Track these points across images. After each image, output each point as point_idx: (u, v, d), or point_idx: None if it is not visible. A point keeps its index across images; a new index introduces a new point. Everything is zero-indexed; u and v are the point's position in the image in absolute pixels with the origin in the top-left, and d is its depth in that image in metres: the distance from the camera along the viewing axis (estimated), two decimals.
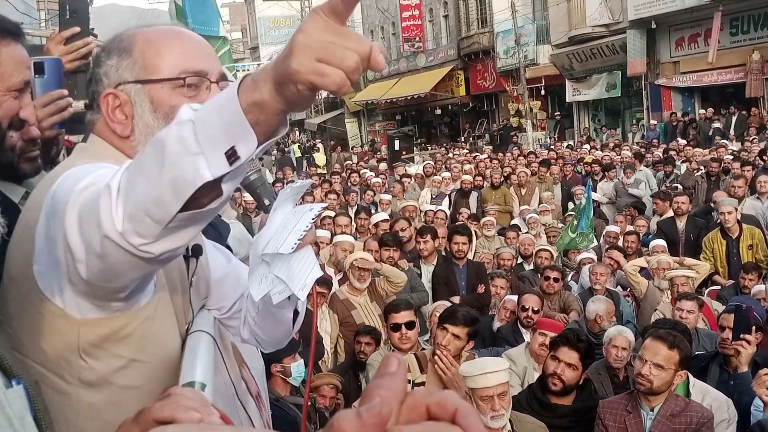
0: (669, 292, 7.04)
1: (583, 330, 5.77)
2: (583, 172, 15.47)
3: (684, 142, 18.48)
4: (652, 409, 4.09)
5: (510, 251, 8.99)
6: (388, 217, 9.76)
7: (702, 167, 13.08)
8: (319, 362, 6.01)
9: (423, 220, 10.47)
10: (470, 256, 8.18)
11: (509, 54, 28.71)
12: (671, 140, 19.55)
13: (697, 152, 15.40)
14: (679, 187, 12.07)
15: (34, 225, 1.45)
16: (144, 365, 1.53)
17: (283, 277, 1.58)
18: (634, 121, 25.36)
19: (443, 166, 17.15)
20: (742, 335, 4.63)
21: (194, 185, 1.19)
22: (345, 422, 0.58)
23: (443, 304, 5.97)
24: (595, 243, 10.00)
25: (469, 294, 7.43)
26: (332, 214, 9.49)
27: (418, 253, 8.01)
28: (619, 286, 7.99)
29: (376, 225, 9.31)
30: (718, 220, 8.59)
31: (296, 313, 1.86)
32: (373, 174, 16.81)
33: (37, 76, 2.05)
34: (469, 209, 12.54)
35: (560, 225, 11.25)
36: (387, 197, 12.55)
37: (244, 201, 11.24)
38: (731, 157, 13.50)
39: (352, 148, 32.78)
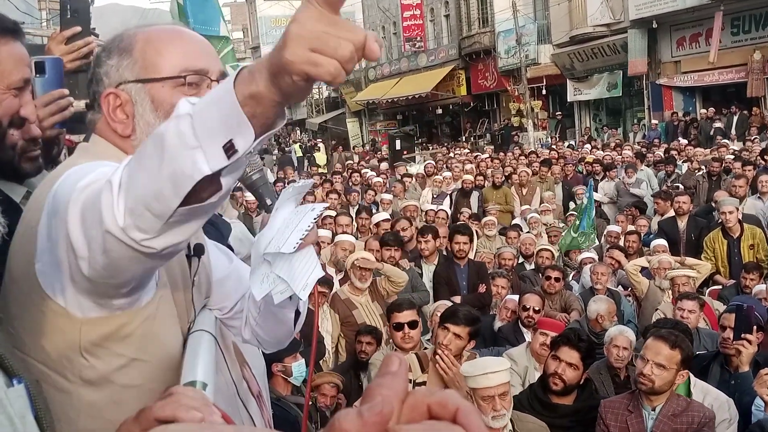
0: (670, 291, 7.03)
1: (584, 330, 5.77)
2: (584, 172, 15.46)
3: (685, 141, 18.47)
4: (653, 409, 4.08)
5: (511, 251, 8.99)
6: (389, 217, 9.76)
7: (703, 167, 13.07)
8: (321, 362, 6.01)
9: (424, 219, 10.47)
10: (471, 255, 8.17)
11: (510, 53, 28.70)
12: (672, 140, 19.55)
13: (698, 152, 15.40)
14: (681, 186, 12.06)
15: (36, 224, 1.46)
16: (145, 364, 1.53)
17: (284, 276, 1.58)
18: (636, 121, 25.35)
19: (444, 165, 17.15)
20: (743, 335, 4.62)
21: (193, 179, 1.19)
22: (346, 421, 0.58)
23: (444, 304, 5.97)
24: (597, 243, 10.00)
25: (470, 294, 7.42)
26: (333, 213, 9.49)
27: (419, 253, 8.01)
28: (620, 286, 7.99)
29: (377, 224, 9.31)
30: (720, 220, 8.59)
31: (297, 313, 1.86)
32: (374, 174, 16.81)
33: (38, 75, 2.06)
34: (470, 209, 12.54)
35: (561, 225, 11.25)
36: (388, 197, 12.55)
37: (246, 200, 11.25)
38: (732, 156, 13.51)
39: (354, 148, 32.77)
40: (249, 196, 10.99)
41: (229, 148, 1.18)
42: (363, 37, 1.12)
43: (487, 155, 20.08)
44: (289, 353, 4.60)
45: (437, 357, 4.31)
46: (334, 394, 5.00)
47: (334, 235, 8.42)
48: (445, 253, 8.16)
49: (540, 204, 12.84)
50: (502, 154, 20.78)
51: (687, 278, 6.99)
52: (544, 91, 28.24)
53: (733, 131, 19.72)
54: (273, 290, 1.59)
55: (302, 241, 1.56)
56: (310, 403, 4.59)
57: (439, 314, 5.14)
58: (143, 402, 1.26)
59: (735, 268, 8.11)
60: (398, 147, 25.91)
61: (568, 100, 27.86)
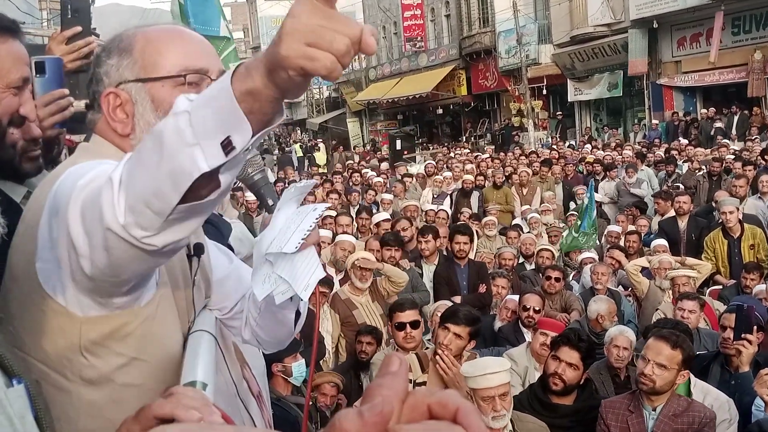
0: (670, 291, 7.03)
1: (584, 330, 5.77)
2: (585, 172, 15.46)
3: (686, 141, 18.47)
4: (654, 409, 4.08)
5: (511, 251, 8.99)
6: (389, 217, 9.76)
7: (704, 167, 13.07)
8: (321, 362, 6.01)
9: (424, 219, 10.47)
10: (471, 255, 8.17)
11: (511, 53, 28.70)
12: (673, 140, 19.54)
13: (698, 152, 15.40)
14: (681, 186, 12.06)
15: (37, 223, 1.46)
16: (145, 363, 1.53)
17: (286, 277, 1.58)
18: (636, 121, 25.34)
19: (445, 165, 17.15)
20: (743, 335, 4.62)
21: (191, 176, 1.19)
22: (346, 421, 0.58)
23: (445, 304, 5.97)
24: (598, 243, 10.00)
25: (470, 294, 7.42)
26: (334, 213, 9.49)
27: (419, 253, 8.01)
28: (620, 286, 7.99)
29: (377, 224, 9.31)
30: (720, 220, 8.59)
31: (298, 313, 1.86)
32: (374, 174, 16.81)
33: (38, 75, 2.05)
34: (471, 209, 12.54)
35: (561, 225, 11.25)
36: (388, 197, 12.55)
37: (246, 200, 11.25)
38: (733, 156, 13.50)
39: (354, 148, 32.78)
40: (249, 196, 11.00)
41: (227, 145, 1.18)
42: (359, 30, 1.11)
43: (487, 155, 20.08)
44: (289, 353, 4.60)
45: (437, 357, 4.31)
46: (335, 393, 5.00)
47: (334, 235, 8.42)
48: (445, 253, 8.16)
49: (540, 204, 12.84)
50: (502, 154, 20.78)
51: (687, 278, 6.99)
52: (544, 91, 28.24)
53: (733, 131, 19.72)
54: (275, 291, 1.59)
55: (304, 242, 1.56)
56: (310, 403, 4.59)
57: (439, 314, 5.14)
58: (143, 401, 1.26)
59: (735, 268, 8.11)
60: (399, 147, 25.93)
61: (569, 100, 27.85)
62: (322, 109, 43.15)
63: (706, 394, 4.38)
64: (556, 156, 17.24)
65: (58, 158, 2.19)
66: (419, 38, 34.44)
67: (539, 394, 4.44)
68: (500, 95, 31.18)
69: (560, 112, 28.50)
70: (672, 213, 9.90)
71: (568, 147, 21.53)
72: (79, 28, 2.41)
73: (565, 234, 10.39)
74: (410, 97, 33.52)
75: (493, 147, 25.42)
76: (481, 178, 14.59)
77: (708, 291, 7.90)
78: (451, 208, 12.64)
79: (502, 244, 9.94)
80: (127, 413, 1.23)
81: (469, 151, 23.65)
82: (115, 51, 1.66)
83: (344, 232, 8.43)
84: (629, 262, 7.86)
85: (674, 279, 6.99)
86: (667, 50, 24.11)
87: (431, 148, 30.01)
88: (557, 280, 7.33)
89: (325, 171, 23.33)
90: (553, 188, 13.82)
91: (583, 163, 16.33)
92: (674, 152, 15.62)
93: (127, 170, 1.25)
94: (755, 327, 4.71)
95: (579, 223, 9.93)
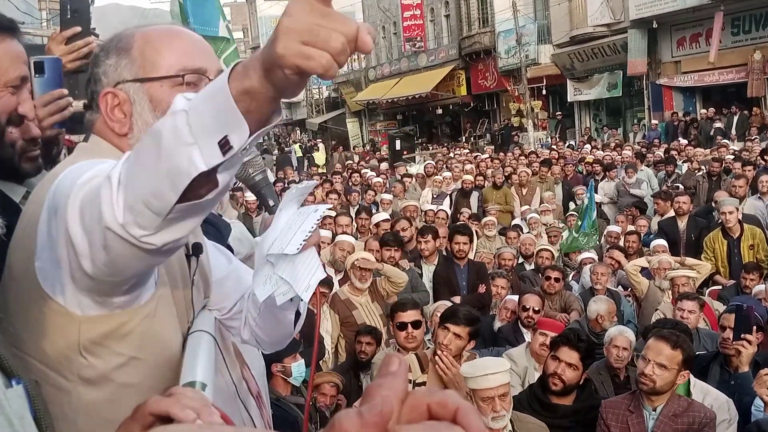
0: (670, 292, 7.03)
1: (583, 330, 5.77)
2: (584, 172, 15.47)
3: (685, 141, 18.47)
4: (654, 409, 4.08)
5: (511, 251, 9.00)
6: (389, 217, 9.76)
7: (703, 167, 13.08)
8: (320, 362, 6.01)
9: (424, 219, 10.47)
10: (471, 256, 8.18)
11: (510, 54, 28.70)
12: (672, 140, 19.55)
13: (698, 152, 15.40)
14: (681, 186, 12.07)
15: (36, 221, 1.45)
16: (144, 363, 1.53)
17: (287, 278, 1.58)
18: (636, 121, 25.35)
19: (444, 165, 17.15)
20: (742, 335, 4.62)
21: (189, 176, 1.19)
22: (346, 421, 0.58)
23: (444, 304, 5.97)
24: (598, 243, 10.00)
25: (469, 294, 7.42)
26: (333, 214, 9.48)
27: (419, 253, 8.01)
28: (620, 286, 7.99)
29: (377, 225, 9.31)
30: (719, 220, 8.59)
31: (298, 314, 1.86)
32: (374, 174, 16.81)
33: (37, 75, 2.05)
34: (470, 209, 12.54)
35: (561, 225, 11.26)
36: (388, 197, 12.55)
37: (246, 200, 11.26)
38: (732, 156, 13.51)
39: (354, 148, 32.79)
40: (249, 196, 11.01)
41: (224, 145, 1.17)
42: (355, 28, 1.10)
43: (487, 155, 20.08)
44: (289, 354, 4.60)
45: (437, 358, 4.31)
46: (334, 393, 5.00)
47: (334, 235, 8.42)
48: (444, 253, 8.16)
49: (540, 204, 12.85)
50: (502, 154, 20.78)
51: (687, 278, 6.99)
52: (544, 91, 28.25)
53: (733, 131, 19.73)
54: (276, 292, 1.59)
55: (305, 243, 1.56)
56: (311, 403, 4.59)
57: (439, 314, 5.14)
58: (142, 401, 1.25)
59: (735, 268, 8.11)
60: (398, 147, 25.95)
61: (568, 100, 27.86)
62: (321, 109, 43.16)
63: (706, 394, 4.38)
64: (556, 156, 17.25)
65: (57, 158, 2.18)
66: (419, 38, 34.43)
67: (539, 394, 4.44)
68: (500, 95, 31.19)
69: (560, 113, 28.51)
70: (671, 213, 9.90)
71: (568, 147, 21.53)
72: (78, 29, 2.41)
73: (565, 235, 10.39)
74: (410, 98, 33.52)
75: (492, 147, 25.42)
76: (481, 178, 14.59)
77: (707, 291, 7.91)
78: (450, 208, 12.64)
79: (501, 244, 9.93)
80: (126, 413, 1.23)
81: (468, 151, 23.65)
82: (113, 51, 1.66)
83: (344, 233, 8.43)
84: (629, 262, 7.86)
85: (674, 279, 6.99)
86: (666, 50, 24.12)
87: (431, 148, 30.01)
88: (557, 280, 7.33)
89: (325, 171, 23.33)
90: (552, 188, 13.82)
91: (582, 164, 16.33)
92: (674, 152, 15.63)
93: (125, 169, 1.24)
94: (755, 327, 4.71)
95: (579, 223, 9.94)
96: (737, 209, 8.48)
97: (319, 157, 29.13)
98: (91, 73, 1.70)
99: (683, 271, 7.20)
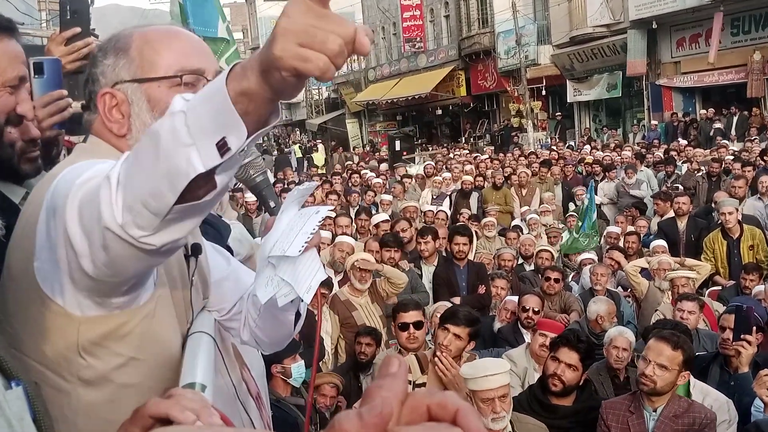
0: (670, 292, 7.03)
1: (583, 331, 5.77)
2: (584, 173, 15.47)
3: (685, 142, 18.47)
4: (654, 410, 4.08)
5: (511, 252, 8.99)
6: (388, 218, 9.76)
7: (703, 168, 13.07)
8: (320, 363, 6.01)
9: (424, 220, 10.47)
10: (471, 256, 8.17)
11: (510, 54, 28.71)
12: (672, 141, 19.56)
13: (698, 153, 15.40)
14: (680, 187, 12.07)
15: (35, 222, 1.45)
16: (143, 363, 1.53)
17: (288, 279, 1.58)
18: (635, 122, 25.36)
19: (444, 166, 17.14)
20: (742, 336, 4.63)
21: (187, 177, 1.19)
22: (346, 423, 0.58)
23: (444, 305, 5.98)
24: (599, 244, 10.00)
25: (469, 295, 7.42)
26: (333, 214, 9.48)
27: (418, 254, 8.01)
28: (619, 287, 7.99)
29: (376, 226, 9.31)
30: (719, 221, 8.59)
31: (298, 315, 1.86)
32: (373, 174, 16.80)
33: (36, 76, 2.05)
34: (470, 210, 12.54)
35: (561, 225, 11.26)
36: (388, 198, 12.55)
37: (246, 201, 11.26)
38: (732, 157, 13.51)
39: (353, 149, 32.79)
40: (249, 197, 11.02)
41: (222, 146, 1.17)
42: (352, 30, 1.10)
43: (486, 156, 20.08)
44: (288, 354, 4.60)
45: (436, 359, 4.31)
46: (334, 394, 5.00)
47: (333, 236, 8.42)
48: (444, 254, 8.16)
49: (539, 205, 12.86)
50: (501, 154, 20.77)
51: (686, 279, 7.00)
52: (543, 92, 28.27)
53: (732, 132, 19.74)
54: (277, 293, 1.59)
55: (307, 244, 1.56)
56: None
57: (438, 315, 5.14)
58: (142, 402, 1.25)
59: (734, 268, 8.12)
60: (398, 148, 25.94)
61: (568, 101, 27.88)
62: (321, 110, 43.16)
63: (706, 395, 4.38)
64: (556, 157, 17.25)
65: (56, 159, 2.18)
66: (418, 39, 34.44)
67: (539, 395, 4.44)
68: (499, 96, 31.20)
69: (559, 113, 28.51)
70: (671, 214, 9.90)
71: (568, 148, 21.55)
72: (78, 29, 2.40)
73: (565, 236, 10.39)
74: (409, 98, 33.53)
75: (492, 148, 25.40)
76: (481, 178, 14.59)
77: (707, 292, 7.91)
78: (450, 209, 12.64)
79: (501, 245, 9.94)
80: (126, 414, 1.23)
81: (468, 151, 23.66)
82: (111, 51, 1.66)
83: (343, 234, 8.44)
84: (628, 262, 7.86)
85: (673, 280, 7.00)
86: (666, 51, 24.13)
87: (430, 148, 30.02)
88: (556, 281, 7.33)
89: (324, 172, 23.32)
90: (552, 189, 13.83)
91: (582, 164, 16.34)
92: (673, 153, 15.64)
93: (124, 170, 1.24)
94: (754, 328, 4.72)
95: (579, 224, 9.93)
96: (737, 210, 8.48)
97: (319, 157, 29.13)
98: (89, 73, 1.70)
99: (683, 271, 7.21)
